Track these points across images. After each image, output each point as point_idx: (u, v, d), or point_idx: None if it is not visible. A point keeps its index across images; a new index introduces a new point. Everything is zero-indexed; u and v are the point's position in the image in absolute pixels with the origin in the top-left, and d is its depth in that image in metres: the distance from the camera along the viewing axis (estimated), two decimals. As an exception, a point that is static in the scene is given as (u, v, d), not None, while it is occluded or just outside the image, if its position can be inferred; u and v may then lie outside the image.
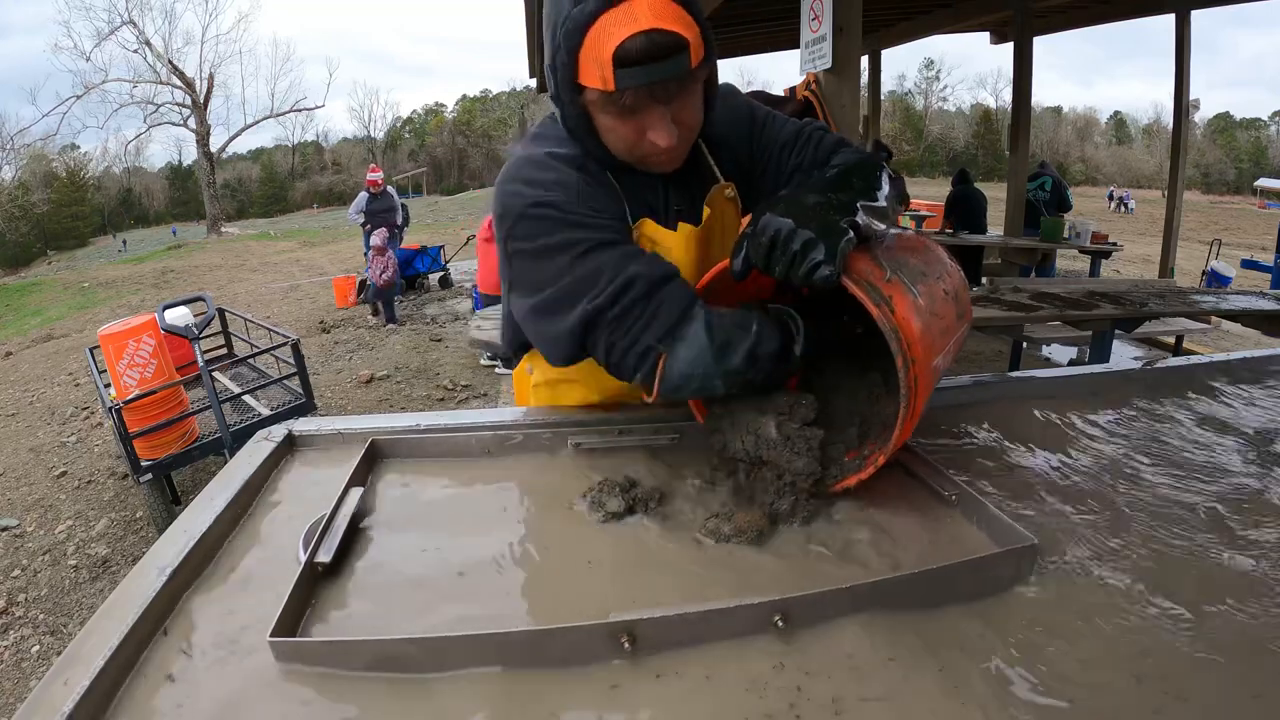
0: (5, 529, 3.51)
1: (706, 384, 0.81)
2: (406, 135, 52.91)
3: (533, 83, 9.14)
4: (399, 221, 8.05)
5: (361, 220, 7.90)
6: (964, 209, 7.09)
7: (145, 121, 27.44)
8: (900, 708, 0.54)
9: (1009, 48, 6.77)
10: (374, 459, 0.92)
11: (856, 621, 0.62)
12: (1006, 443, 0.96)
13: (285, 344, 3.80)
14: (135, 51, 25.72)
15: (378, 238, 7.11)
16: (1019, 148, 6.74)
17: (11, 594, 2.96)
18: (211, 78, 27.01)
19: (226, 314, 4.86)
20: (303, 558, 0.67)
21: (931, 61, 49.96)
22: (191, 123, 26.29)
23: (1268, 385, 1.19)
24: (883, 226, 0.78)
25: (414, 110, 56.66)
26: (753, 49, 8.25)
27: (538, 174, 0.88)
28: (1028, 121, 6.81)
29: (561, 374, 1.04)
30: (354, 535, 0.75)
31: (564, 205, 0.85)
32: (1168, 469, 0.91)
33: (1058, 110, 49.76)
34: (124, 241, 29.28)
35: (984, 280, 4.32)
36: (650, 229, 0.93)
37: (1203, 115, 45.43)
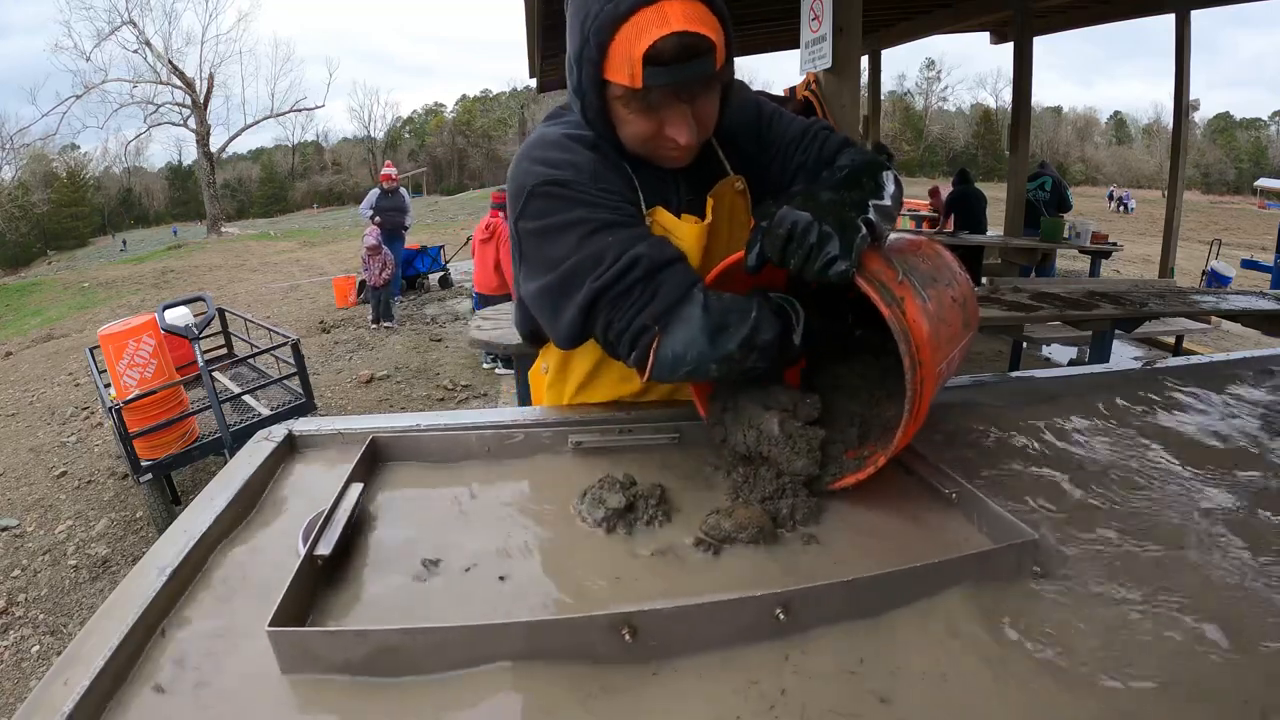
0: (5, 529, 3.51)
1: (699, 367, 0.81)
2: (406, 135, 52.94)
3: (533, 83, 9.12)
4: (407, 222, 8.02)
5: (371, 215, 7.87)
6: (964, 209, 7.09)
7: (145, 121, 27.45)
8: (901, 701, 0.54)
9: (1009, 48, 6.77)
10: (374, 457, 0.92)
11: (858, 615, 0.62)
12: (1006, 443, 0.96)
13: (285, 344, 3.80)
14: (135, 51, 25.73)
15: (371, 236, 7.02)
16: (1019, 148, 6.74)
17: (11, 594, 2.96)
18: (211, 78, 27.01)
19: (226, 314, 4.86)
20: (302, 551, 0.67)
21: (931, 61, 50.02)
22: (191, 123, 26.29)
23: (1268, 385, 1.19)
24: (890, 226, 0.79)
25: (414, 110, 56.75)
26: (753, 49, 8.25)
27: (552, 153, 0.89)
28: (1028, 121, 6.81)
29: (577, 372, 1.05)
30: (354, 532, 0.75)
31: (575, 184, 0.87)
32: (1168, 468, 0.91)
33: (1058, 110, 49.80)
34: (124, 241, 29.29)
35: (984, 280, 4.32)
36: (663, 217, 0.94)
37: (1203, 115, 45.49)
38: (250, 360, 4.41)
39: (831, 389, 0.93)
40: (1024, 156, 6.76)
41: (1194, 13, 5.89)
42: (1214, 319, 3.94)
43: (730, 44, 0.85)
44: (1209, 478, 0.89)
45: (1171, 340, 4.82)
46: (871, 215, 0.75)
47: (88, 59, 26.11)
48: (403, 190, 8.09)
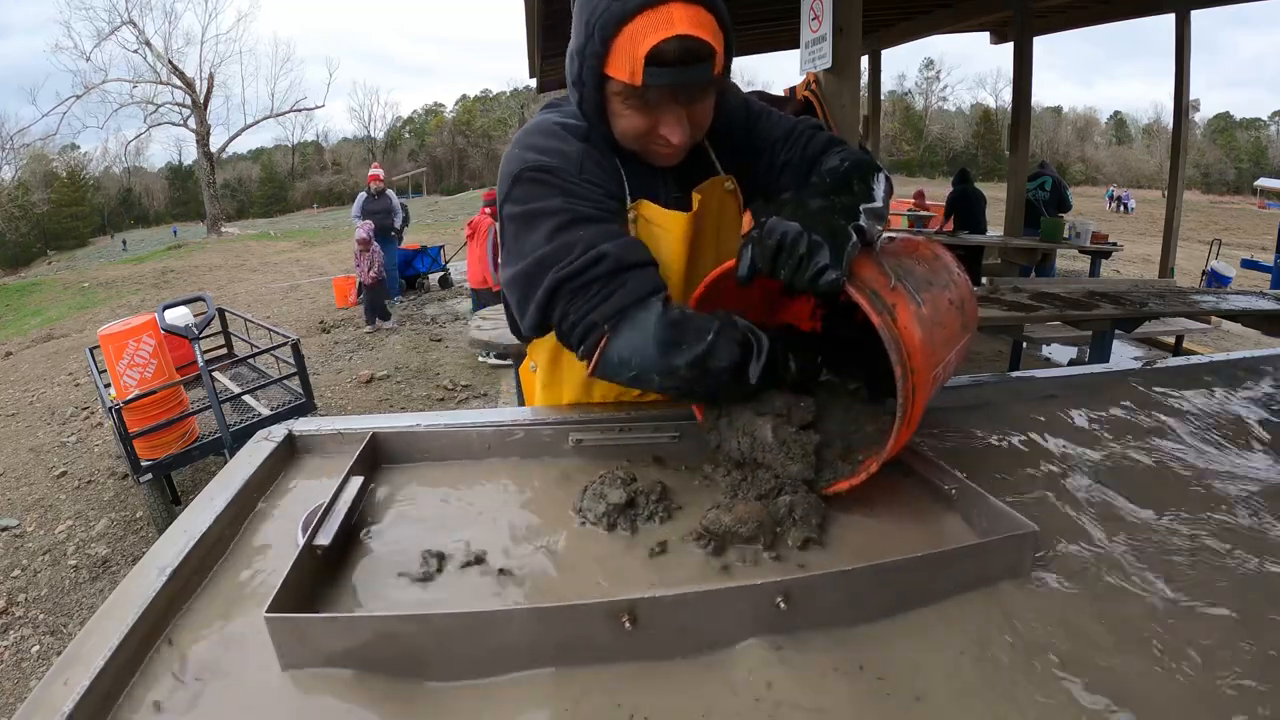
0: (5, 529, 3.51)
1: (643, 375, 0.83)
2: (406, 135, 52.93)
3: (533, 83, 9.11)
4: (396, 224, 7.93)
5: (360, 220, 7.80)
6: (964, 209, 7.10)
7: (145, 121, 27.47)
8: (900, 691, 0.54)
9: (1009, 48, 6.77)
10: (375, 453, 0.92)
11: (859, 604, 0.62)
12: (1006, 443, 0.96)
13: (285, 344, 3.80)
14: (135, 51, 25.75)
15: (362, 230, 6.91)
16: (1019, 148, 6.74)
17: (11, 594, 2.96)
18: (211, 78, 27.03)
19: (226, 314, 4.86)
20: (301, 541, 0.67)
21: (931, 61, 50.03)
22: (191, 123, 26.30)
23: (1267, 385, 1.19)
24: (881, 228, 0.79)
25: (414, 110, 56.73)
26: (753, 49, 8.25)
27: (542, 140, 0.92)
28: (1028, 121, 6.81)
29: (559, 370, 1.05)
30: (354, 527, 0.75)
31: (559, 172, 0.88)
32: (1167, 468, 0.91)
33: (1058, 110, 49.81)
34: (124, 241, 29.29)
35: (984, 280, 4.32)
36: (648, 210, 0.96)
37: (1203, 115, 45.51)
38: (250, 360, 4.41)
39: (828, 391, 0.93)
40: (1024, 156, 6.77)
41: (1194, 13, 5.89)
42: (1214, 319, 3.94)
43: (730, 50, 0.86)
44: (1209, 477, 0.89)
45: (1171, 340, 4.82)
46: (863, 221, 0.75)
47: (88, 59, 26.14)
48: (390, 192, 7.96)
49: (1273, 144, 44.52)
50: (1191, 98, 6.37)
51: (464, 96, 53.69)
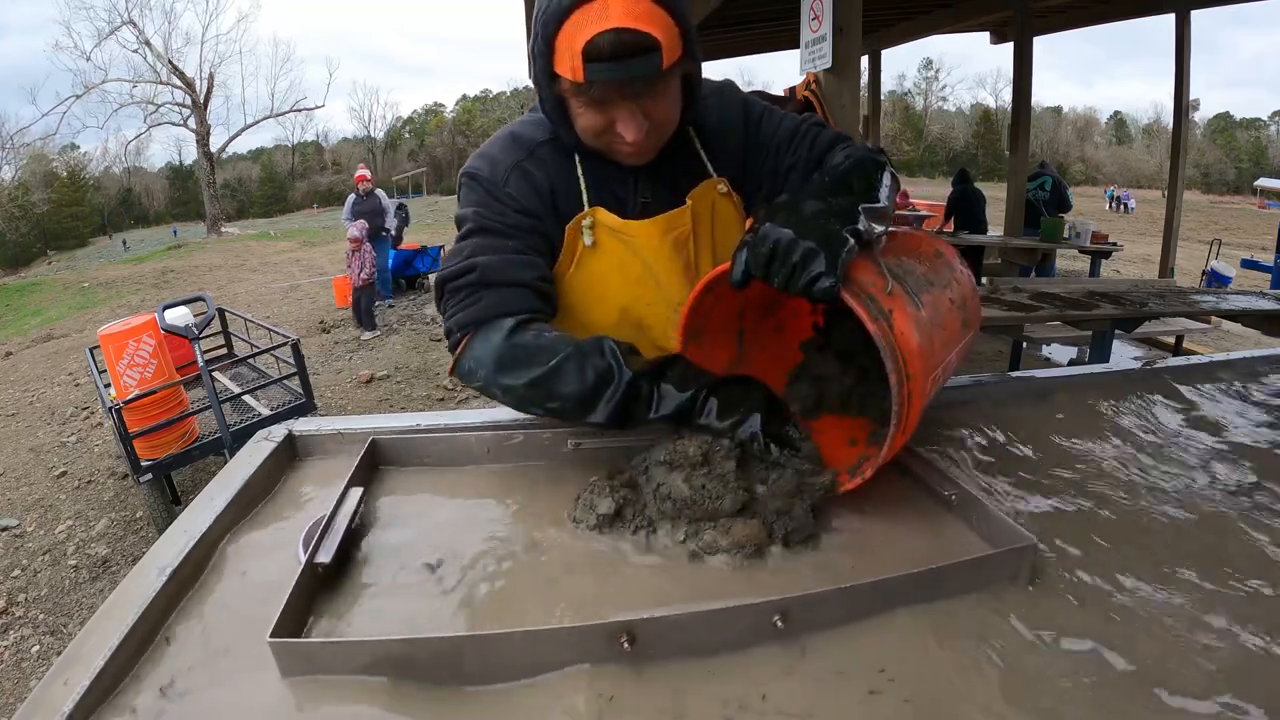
0: (5, 529, 3.51)
1: (488, 388, 0.87)
2: (406, 135, 52.96)
3: (532, 83, 9.08)
4: (385, 225, 7.80)
5: (350, 221, 7.71)
6: (964, 209, 7.10)
7: (145, 121, 27.47)
8: (899, 708, 0.54)
9: (1009, 48, 6.77)
10: (374, 459, 0.92)
11: (856, 621, 0.62)
12: (1006, 443, 0.96)
13: (285, 344, 3.81)
14: (135, 51, 25.74)
15: (356, 229, 6.77)
16: (1019, 148, 6.74)
17: (11, 594, 2.96)
18: (211, 78, 27.02)
19: (226, 314, 4.86)
20: (303, 558, 0.67)
21: (931, 61, 50.03)
22: (191, 123, 26.30)
23: (1267, 385, 1.19)
24: (883, 228, 0.78)
25: (414, 110, 56.73)
26: (753, 49, 8.25)
27: (488, 148, 0.97)
28: (1028, 121, 6.81)
29: None
30: (354, 536, 0.75)
31: (483, 181, 0.94)
32: (1167, 469, 0.91)
33: (1058, 110, 49.81)
34: (124, 241, 29.30)
35: (984, 280, 4.32)
36: (604, 217, 0.96)
37: (1203, 115, 45.50)
38: (250, 360, 4.41)
39: (824, 383, 0.94)
40: (1024, 156, 6.77)
41: (1194, 13, 5.89)
42: (1214, 319, 3.94)
43: (688, 39, 0.84)
44: (1210, 478, 0.89)
45: (1171, 340, 4.82)
46: (860, 223, 0.74)
47: (88, 59, 26.13)
48: (379, 192, 7.78)
49: (1273, 144, 44.51)
50: (1191, 98, 6.37)
51: (464, 96, 53.76)
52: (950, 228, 7.14)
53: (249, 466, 0.87)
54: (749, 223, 1.05)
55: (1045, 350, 5.12)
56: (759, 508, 0.75)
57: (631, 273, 0.99)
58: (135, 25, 25.54)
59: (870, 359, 0.95)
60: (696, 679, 0.57)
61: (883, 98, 10.30)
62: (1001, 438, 0.98)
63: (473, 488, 0.87)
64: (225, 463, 1.02)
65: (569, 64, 0.80)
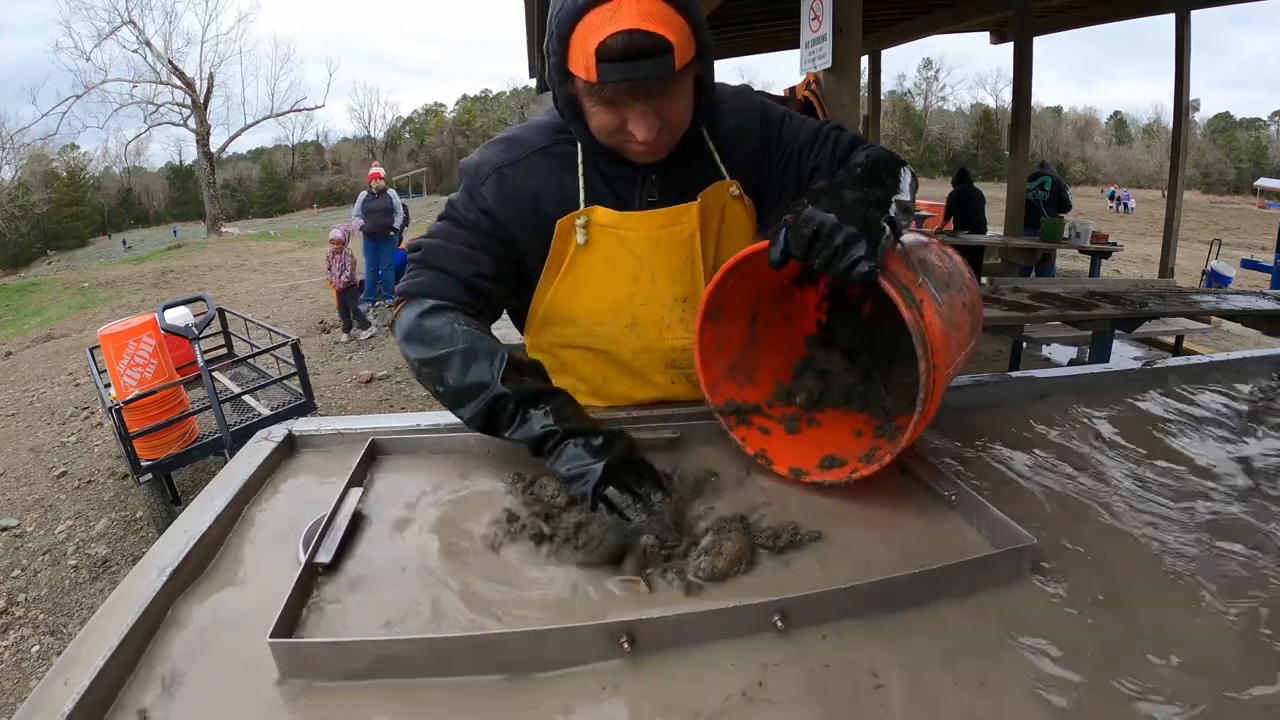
0: (5, 529, 3.51)
1: (405, 357, 0.94)
2: (406, 135, 52.92)
3: (533, 83, 9.12)
4: (396, 224, 7.87)
5: (360, 222, 7.73)
6: (963, 209, 7.10)
7: (145, 121, 27.46)
8: (900, 708, 0.54)
9: (1009, 48, 6.77)
10: (374, 459, 0.92)
11: (856, 622, 0.61)
12: (1005, 443, 0.96)
13: (285, 344, 3.81)
14: (135, 51, 25.73)
15: (338, 230, 6.74)
16: (1019, 148, 6.74)
17: (11, 594, 2.96)
18: (211, 78, 27.01)
19: (226, 314, 4.87)
20: (302, 558, 0.67)
21: (931, 61, 50.02)
22: (191, 123, 26.29)
23: (1267, 385, 1.19)
24: (909, 220, 0.81)
25: (414, 110, 56.67)
26: (753, 49, 8.26)
27: (485, 146, 1.02)
28: (1028, 121, 6.81)
29: (559, 370, 1.06)
30: (354, 536, 0.75)
31: (468, 175, 0.99)
32: (1168, 469, 0.91)
33: (1058, 110, 49.78)
34: (124, 241, 29.31)
35: (984, 280, 4.32)
36: (600, 214, 0.97)
37: (1203, 115, 45.47)
38: (250, 360, 4.41)
39: (821, 374, 0.95)
40: (1024, 156, 6.77)
41: (1194, 13, 5.89)
42: (1214, 319, 3.94)
43: (701, 41, 0.85)
44: (1210, 478, 0.88)
45: (1171, 340, 4.82)
46: (893, 213, 0.76)
47: (88, 59, 26.11)
48: (391, 191, 7.85)
49: (1273, 144, 44.50)
50: (1191, 98, 6.37)
51: (464, 96, 53.73)
52: (950, 228, 7.14)
53: (249, 466, 0.87)
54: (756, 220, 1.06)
55: (1045, 350, 5.12)
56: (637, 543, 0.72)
57: (624, 269, 0.99)
58: (135, 25, 25.54)
59: (872, 360, 0.96)
60: (697, 679, 0.56)
61: (883, 98, 10.30)
62: (1001, 438, 0.98)
63: (473, 488, 0.87)
64: (225, 463, 1.02)
65: (583, 63, 0.81)
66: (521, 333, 1.11)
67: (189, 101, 26.21)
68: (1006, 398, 1.10)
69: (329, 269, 6.72)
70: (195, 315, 3.71)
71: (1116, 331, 3.41)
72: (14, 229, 32.22)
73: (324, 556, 0.68)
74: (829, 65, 3.29)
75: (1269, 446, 0.97)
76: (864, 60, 7.81)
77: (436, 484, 0.88)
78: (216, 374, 3.95)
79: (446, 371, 0.87)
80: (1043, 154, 25.77)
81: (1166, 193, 6.80)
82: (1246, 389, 1.17)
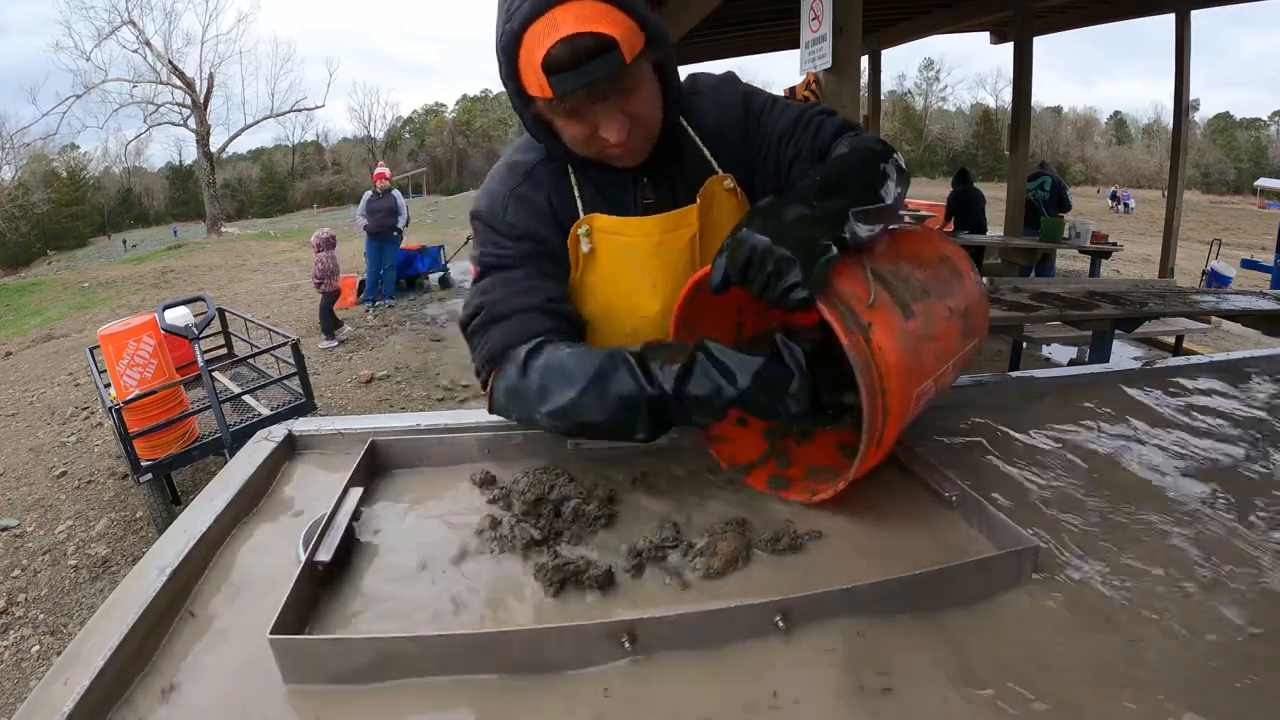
0: (5, 529, 3.51)
1: (525, 418, 0.86)
2: (406, 135, 52.93)
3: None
4: (400, 225, 7.89)
5: (364, 221, 7.75)
6: (963, 209, 7.10)
7: (145, 121, 27.45)
8: (900, 710, 0.53)
9: (1009, 48, 6.78)
10: (374, 459, 0.91)
11: (857, 622, 0.61)
12: (1005, 443, 0.96)
13: (285, 344, 3.81)
14: (135, 51, 25.72)
15: (323, 231, 6.72)
16: (1019, 148, 6.74)
17: (11, 594, 2.96)
18: (211, 78, 27.00)
19: (226, 314, 4.87)
20: (302, 557, 0.67)
21: (931, 61, 50.03)
22: (191, 123, 26.28)
23: (1268, 385, 1.19)
24: (878, 229, 0.75)
25: (414, 110, 56.70)
26: (753, 49, 8.25)
27: (487, 183, 0.99)
28: (1028, 121, 6.82)
29: None
30: (354, 535, 0.75)
31: (485, 217, 0.96)
32: (1168, 469, 0.91)
33: (1058, 110, 49.79)
34: (124, 241, 29.32)
35: (984, 280, 4.32)
36: (602, 221, 0.95)
37: (1203, 115, 45.47)
38: (250, 360, 4.41)
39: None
40: (1024, 156, 6.77)
41: (1194, 13, 5.89)
42: (1214, 319, 3.94)
43: (650, 30, 0.82)
44: (1211, 479, 0.88)
45: (1171, 340, 4.83)
46: (847, 230, 0.72)
47: (88, 59, 26.10)
48: (395, 192, 7.87)
49: (1273, 144, 44.50)
50: (1191, 98, 6.37)
51: (464, 96, 53.71)
52: (950, 228, 7.14)
53: (249, 466, 0.87)
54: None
55: (1045, 350, 5.12)
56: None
57: (625, 278, 0.97)
58: (135, 25, 25.53)
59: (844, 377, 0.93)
60: (697, 679, 0.56)
61: (883, 98, 10.30)
62: (1002, 438, 0.98)
63: (473, 487, 0.87)
64: (225, 463, 1.02)
65: (535, 82, 0.80)
66: None
67: (189, 101, 26.20)
68: (1006, 398, 1.10)
69: (316, 274, 6.72)
70: (195, 315, 3.71)
71: (1116, 331, 3.42)
72: (14, 229, 32.22)
73: (324, 555, 0.68)
74: (829, 65, 3.29)
75: (1269, 447, 0.97)
76: (864, 60, 7.81)
77: (437, 484, 0.88)
78: (216, 374, 3.95)
79: (582, 410, 0.79)
80: (1043, 154, 25.77)
81: (1166, 193, 6.80)
82: (1247, 389, 1.17)
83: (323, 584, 0.68)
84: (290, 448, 0.96)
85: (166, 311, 3.59)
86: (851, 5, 3.21)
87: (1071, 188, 7.91)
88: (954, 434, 0.98)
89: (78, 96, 26.33)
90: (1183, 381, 1.18)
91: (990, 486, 0.85)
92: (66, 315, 10.97)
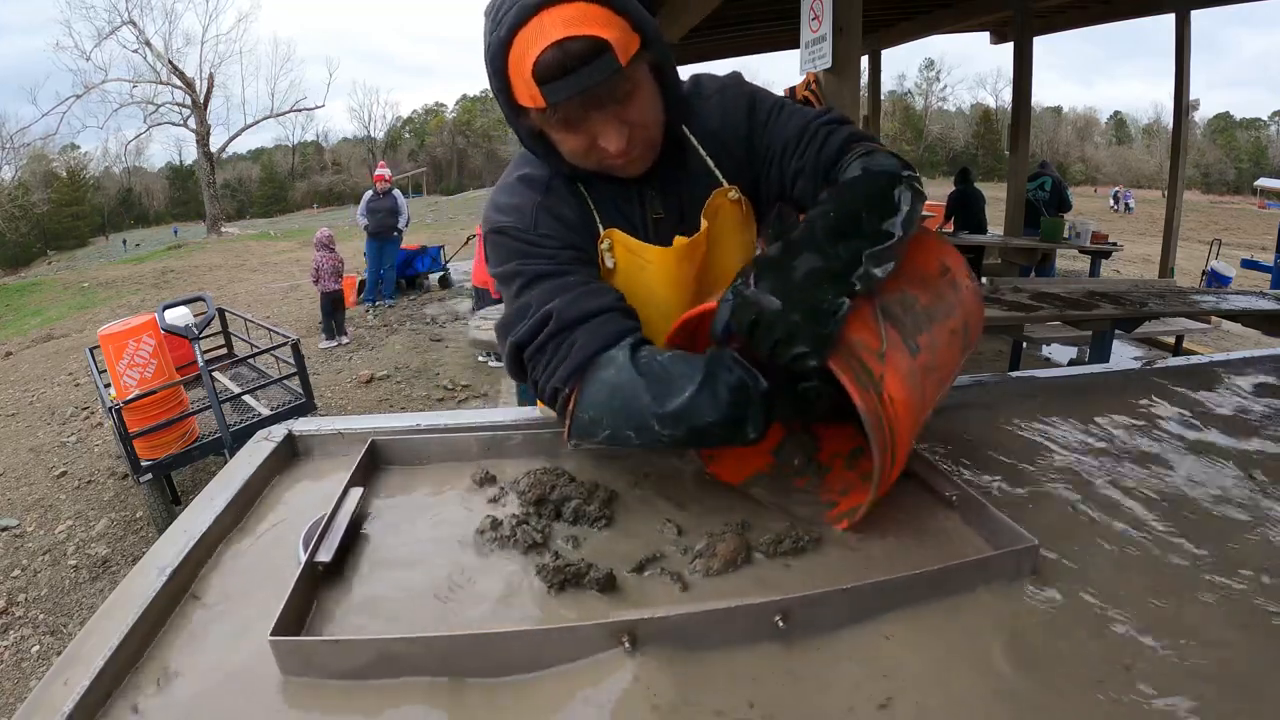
0: (5, 529, 3.51)
1: (617, 434, 0.76)
2: (406, 135, 52.90)
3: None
4: (401, 225, 7.89)
5: (364, 222, 7.75)
6: (963, 209, 7.10)
7: (145, 121, 27.41)
8: (900, 709, 0.53)
9: (1009, 48, 6.77)
10: (374, 459, 0.92)
11: (857, 622, 0.61)
12: (1005, 443, 0.96)
13: (285, 344, 3.81)
14: (135, 51, 25.69)
15: (321, 232, 6.70)
16: (1019, 148, 6.74)
17: (11, 594, 2.96)
18: (211, 78, 26.98)
19: (226, 314, 4.87)
20: (303, 558, 0.67)
21: (931, 61, 50.03)
22: (191, 123, 26.26)
23: (1268, 385, 1.19)
24: (890, 266, 0.71)
25: (414, 110, 56.70)
26: (753, 49, 8.25)
27: (503, 198, 0.92)
28: (1028, 121, 6.81)
29: None
30: (354, 535, 0.75)
31: (514, 232, 0.88)
32: (1168, 469, 0.91)
33: (1058, 110, 49.78)
34: (124, 241, 29.33)
35: (984, 280, 4.32)
36: (621, 238, 0.91)
37: (1203, 115, 45.44)
38: (250, 360, 4.41)
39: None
40: (1024, 156, 6.76)
41: (1195, 12, 5.89)
42: (1214, 319, 3.94)
43: (645, 30, 0.78)
44: (1210, 479, 0.88)
45: (1171, 340, 4.83)
46: (859, 280, 0.68)
47: (88, 59, 26.07)
48: (396, 192, 7.86)
49: (1273, 144, 44.49)
50: (1192, 98, 6.37)
51: (464, 96, 53.65)
52: (950, 228, 7.14)
53: (249, 466, 0.87)
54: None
55: (1045, 350, 5.12)
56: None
57: (637, 297, 0.90)
58: (135, 25, 25.50)
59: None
60: (697, 679, 0.56)
61: (883, 98, 10.30)
62: (1002, 438, 0.98)
63: (473, 487, 0.87)
64: (225, 463, 1.02)
65: (527, 93, 0.76)
66: None
67: (189, 101, 26.18)
68: (1006, 398, 1.10)
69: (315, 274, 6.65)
70: (195, 315, 3.71)
71: (1116, 331, 3.41)
72: (14, 229, 32.22)
73: (324, 556, 0.68)
74: (829, 65, 3.29)
75: (1269, 447, 0.97)
76: (864, 60, 7.81)
77: (437, 484, 0.88)
78: (216, 374, 3.95)
79: (698, 412, 0.72)
80: (1043, 154, 25.75)
81: (1166, 193, 6.80)
82: (1246, 389, 1.17)
83: (323, 584, 0.68)
84: (290, 448, 0.96)
85: (166, 311, 3.59)
86: (851, 5, 3.21)
87: (1071, 188, 7.91)
88: (954, 434, 0.98)
89: (78, 96, 26.32)
90: (1182, 381, 1.18)
91: (989, 487, 0.85)
92: (66, 315, 10.97)
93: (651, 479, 0.87)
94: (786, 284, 0.69)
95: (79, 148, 39.24)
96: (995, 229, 7.27)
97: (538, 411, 1.03)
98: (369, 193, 7.79)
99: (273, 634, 0.57)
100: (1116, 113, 50.87)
